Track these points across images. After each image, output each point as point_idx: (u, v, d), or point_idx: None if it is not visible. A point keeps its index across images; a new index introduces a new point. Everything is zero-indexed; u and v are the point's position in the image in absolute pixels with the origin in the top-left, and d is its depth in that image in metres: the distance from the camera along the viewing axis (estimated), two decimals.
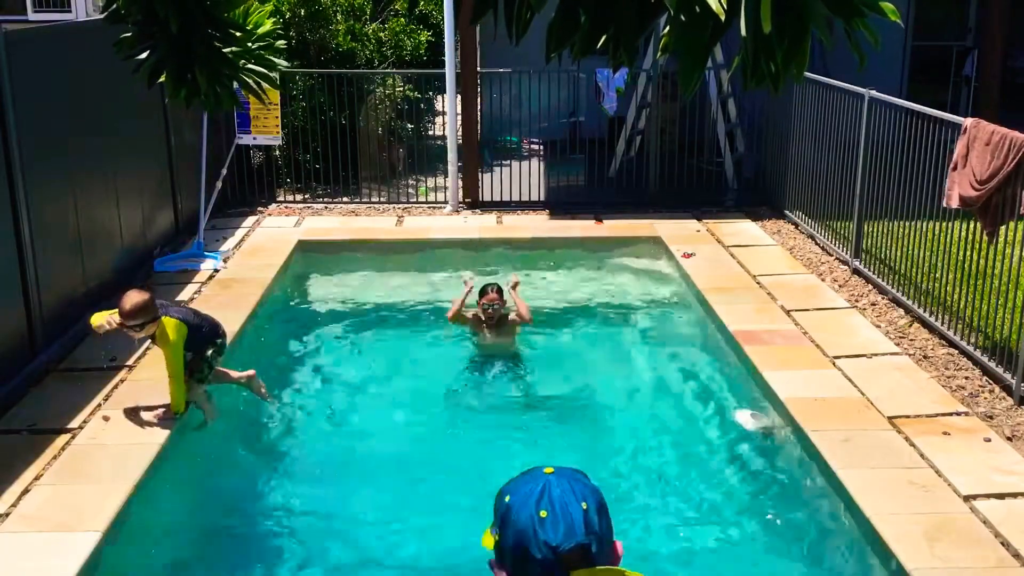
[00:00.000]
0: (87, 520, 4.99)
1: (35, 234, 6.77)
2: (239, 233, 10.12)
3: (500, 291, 7.54)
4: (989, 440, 5.80)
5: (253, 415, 6.67)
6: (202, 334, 6.05)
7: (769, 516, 5.57)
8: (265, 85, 3.34)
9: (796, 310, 7.92)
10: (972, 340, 6.93)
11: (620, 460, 6.28)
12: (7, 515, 5.06)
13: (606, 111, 12.01)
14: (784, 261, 9.26)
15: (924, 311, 7.55)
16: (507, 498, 1.83)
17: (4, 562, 4.68)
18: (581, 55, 2.01)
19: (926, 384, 6.57)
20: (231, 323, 7.29)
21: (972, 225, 7.01)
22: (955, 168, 6.95)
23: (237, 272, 8.88)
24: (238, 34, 3.15)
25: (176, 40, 2.90)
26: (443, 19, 11.34)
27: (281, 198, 11.47)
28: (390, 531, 5.50)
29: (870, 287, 8.45)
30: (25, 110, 6.65)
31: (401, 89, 11.89)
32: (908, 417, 6.09)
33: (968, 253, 7.03)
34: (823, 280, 8.71)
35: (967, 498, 5.20)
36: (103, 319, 5.87)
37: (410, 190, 11.75)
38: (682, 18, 1.80)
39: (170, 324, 5.79)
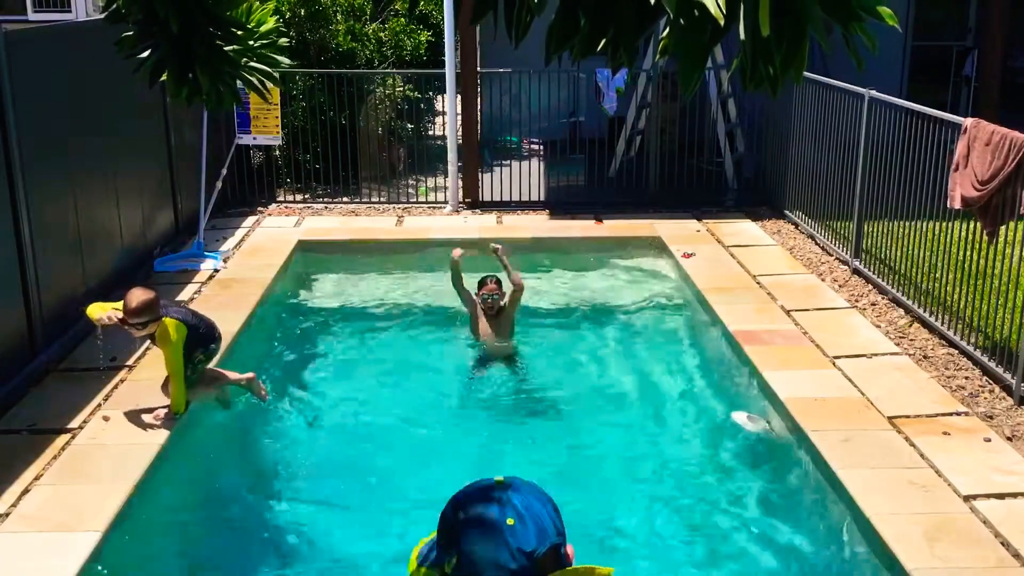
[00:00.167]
0: (87, 520, 4.99)
1: (35, 234, 6.77)
2: (239, 233, 10.12)
3: (499, 282, 7.57)
4: (989, 440, 5.81)
5: (253, 416, 6.67)
6: (199, 335, 6.05)
7: (769, 516, 5.57)
8: (268, 83, 3.35)
9: (796, 310, 7.92)
10: (972, 340, 6.93)
11: (619, 460, 6.28)
12: (7, 515, 5.07)
13: (606, 111, 12.00)
14: (784, 261, 9.26)
15: (924, 311, 7.55)
16: (459, 514, 1.73)
17: (4, 562, 4.68)
18: (581, 57, 2.01)
19: (926, 384, 6.57)
20: (231, 323, 7.30)
21: (972, 225, 7.01)
22: (957, 169, 6.95)
23: (237, 272, 8.88)
24: (240, 32, 3.15)
25: (177, 39, 2.90)
26: (443, 19, 11.33)
27: (281, 198, 11.47)
28: (390, 531, 5.50)
29: (870, 287, 8.45)
30: (25, 110, 6.65)
31: (401, 89, 11.89)
32: (908, 417, 6.09)
33: (968, 253, 7.03)
34: (823, 280, 8.71)
35: (967, 498, 5.21)
36: (103, 312, 5.85)
37: (410, 190, 11.75)
38: (681, 21, 1.80)
39: (170, 324, 5.79)
